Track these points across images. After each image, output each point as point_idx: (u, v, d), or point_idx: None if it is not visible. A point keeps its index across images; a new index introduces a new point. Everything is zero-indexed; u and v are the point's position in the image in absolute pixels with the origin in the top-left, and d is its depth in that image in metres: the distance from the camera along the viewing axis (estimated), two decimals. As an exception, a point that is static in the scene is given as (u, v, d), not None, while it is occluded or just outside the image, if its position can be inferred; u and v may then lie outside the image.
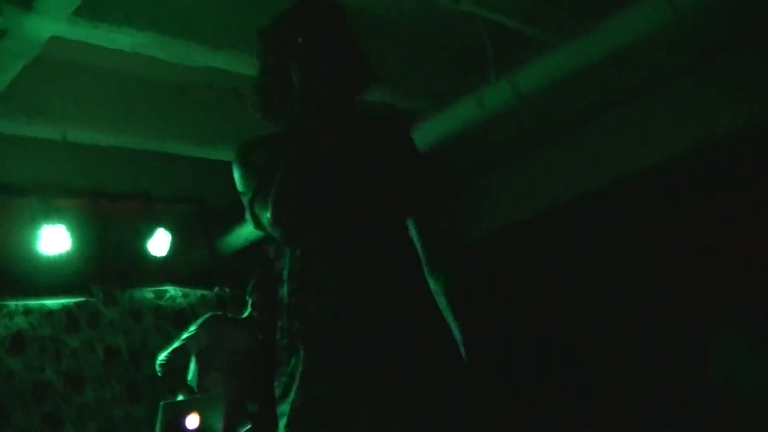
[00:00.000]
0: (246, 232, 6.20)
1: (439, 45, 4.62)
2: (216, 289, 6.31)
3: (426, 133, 4.73)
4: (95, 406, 5.88)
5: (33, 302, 5.70)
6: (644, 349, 6.28)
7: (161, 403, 4.27)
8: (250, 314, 4.95)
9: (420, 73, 4.67)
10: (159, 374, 4.90)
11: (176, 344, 4.79)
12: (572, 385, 6.68)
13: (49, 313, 5.80)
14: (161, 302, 6.45)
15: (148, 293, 6.42)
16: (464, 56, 4.59)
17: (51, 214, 5.29)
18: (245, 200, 2.09)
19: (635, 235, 6.54)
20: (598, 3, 3.98)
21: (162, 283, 6.47)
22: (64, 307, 5.88)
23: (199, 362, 4.79)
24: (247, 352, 4.80)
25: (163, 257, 5.95)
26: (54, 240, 5.30)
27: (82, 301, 5.97)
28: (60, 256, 5.36)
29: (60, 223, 5.31)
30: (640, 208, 6.39)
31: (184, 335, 4.82)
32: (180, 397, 5.08)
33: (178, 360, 4.78)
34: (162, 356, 4.79)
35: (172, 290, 6.54)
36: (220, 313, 5.00)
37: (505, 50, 4.33)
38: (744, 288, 5.72)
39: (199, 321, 4.89)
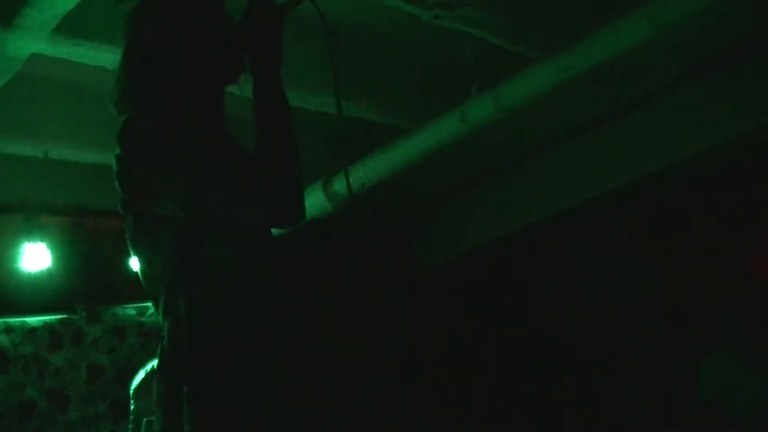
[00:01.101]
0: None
1: (422, 61, 4.65)
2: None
3: (411, 148, 4.76)
4: (80, 424, 5.87)
5: (14, 320, 5.69)
6: (644, 350, 6.34)
7: (144, 420, 4.27)
8: None
9: (403, 89, 4.70)
10: None
11: (131, 417, 4.75)
12: (572, 385, 6.75)
13: (31, 330, 5.80)
14: (144, 319, 6.45)
15: (131, 310, 6.42)
16: (448, 72, 4.62)
17: (34, 231, 5.29)
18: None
19: (635, 238, 6.63)
20: (583, 20, 4.02)
21: (144, 300, 6.44)
22: (47, 325, 5.88)
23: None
24: None
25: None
26: (35, 257, 5.32)
27: (64, 319, 5.97)
28: (42, 273, 5.39)
29: (42, 240, 5.32)
30: (639, 212, 6.48)
31: (131, 407, 4.77)
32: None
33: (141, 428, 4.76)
34: (130, 430, 4.76)
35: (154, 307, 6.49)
36: (143, 373, 4.92)
37: (489, 65, 4.36)
38: (744, 289, 5.79)
39: (131, 391, 4.83)
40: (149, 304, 6.80)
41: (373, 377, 6.65)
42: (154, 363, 4.67)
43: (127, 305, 6.40)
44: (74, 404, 5.88)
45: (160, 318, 2.00)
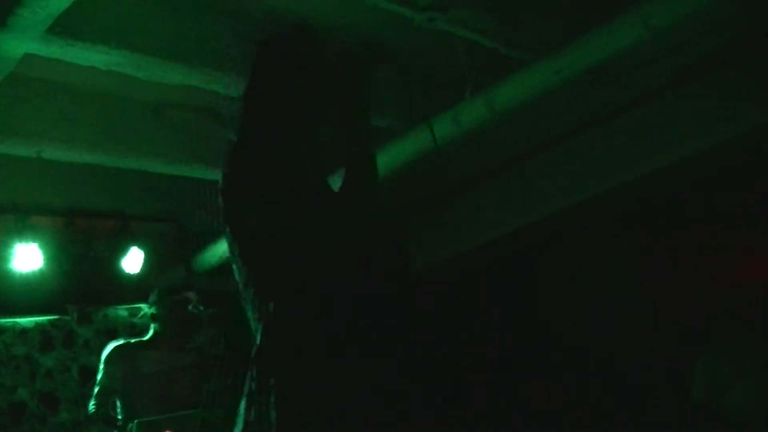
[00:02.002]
0: (221, 250, 6.24)
1: (415, 63, 4.70)
2: (190, 307, 6.40)
3: (404, 150, 4.84)
4: (70, 426, 5.93)
5: (6, 321, 5.75)
6: (643, 350, 6.40)
7: (135, 421, 4.35)
8: (156, 332, 5.05)
9: (396, 92, 4.76)
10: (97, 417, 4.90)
11: (96, 389, 4.82)
12: (572, 385, 6.81)
13: (23, 331, 5.86)
14: (135, 320, 6.52)
15: (123, 311, 6.49)
16: (442, 75, 4.67)
17: (25, 232, 5.35)
18: None
19: (635, 238, 6.68)
20: (576, 23, 4.09)
21: (136, 301, 6.53)
22: (38, 326, 5.94)
23: (123, 395, 4.84)
24: (174, 369, 4.93)
25: (139, 275, 6.02)
26: (27, 258, 5.39)
27: (56, 320, 6.03)
28: (34, 274, 5.46)
29: (33, 241, 5.39)
30: (639, 212, 6.53)
31: (98, 376, 4.85)
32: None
33: (107, 402, 4.82)
34: (91, 406, 4.82)
35: (146, 308, 6.56)
36: (121, 341, 5.03)
37: (482, 68, 4.43)
38: (743, 289, 5.86)
39: (104, 357, 4.92)
40: (141, 305, 6.85)
41: (372, 377, 6.71)
42: (142, 337, 4.78)
43: (118, 306, 6.47)
44: (65, 406, 5.95)
45: (254, 319, 2.23)
